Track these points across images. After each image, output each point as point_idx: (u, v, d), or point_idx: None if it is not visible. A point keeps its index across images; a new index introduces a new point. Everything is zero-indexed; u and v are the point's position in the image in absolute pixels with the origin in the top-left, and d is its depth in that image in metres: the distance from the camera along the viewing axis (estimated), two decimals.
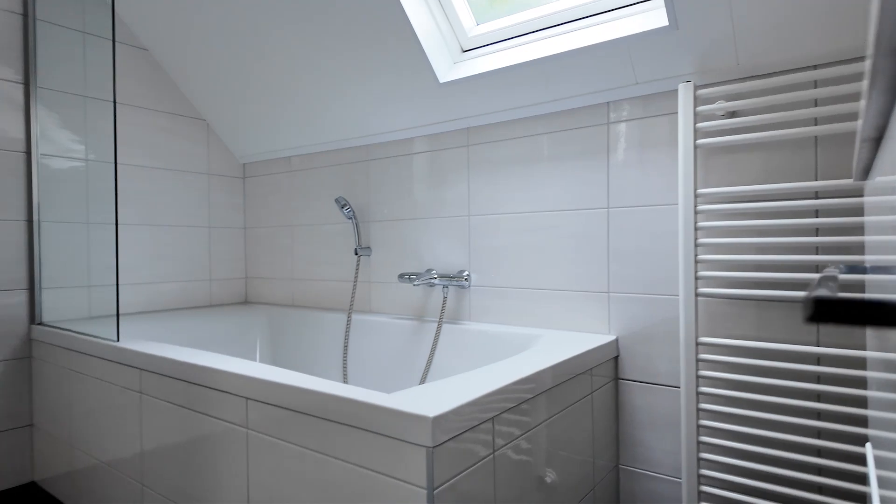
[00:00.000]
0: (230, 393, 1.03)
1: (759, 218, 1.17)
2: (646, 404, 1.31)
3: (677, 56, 1.19)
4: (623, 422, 1.35)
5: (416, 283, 1.60)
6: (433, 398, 0.82)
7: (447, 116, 1.62)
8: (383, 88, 1.66)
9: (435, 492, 0.75)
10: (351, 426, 0.83)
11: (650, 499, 1.31)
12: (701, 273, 1.16)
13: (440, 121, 1.65)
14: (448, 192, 1.68)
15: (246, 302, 2.34)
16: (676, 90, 1.26)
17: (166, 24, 1.89)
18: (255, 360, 2.07)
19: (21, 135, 1.73)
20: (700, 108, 1.17)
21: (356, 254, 1.89)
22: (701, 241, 1.16)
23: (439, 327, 1.60)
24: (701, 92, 1.16)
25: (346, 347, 1.82)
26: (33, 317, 1.74)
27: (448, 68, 1.53)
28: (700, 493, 1.17)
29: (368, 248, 1.91)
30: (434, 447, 0.75)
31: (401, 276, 1.68)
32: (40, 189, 1.75)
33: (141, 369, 1.26)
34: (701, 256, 1.16)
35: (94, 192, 1.85)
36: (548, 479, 1.03)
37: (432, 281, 1.64)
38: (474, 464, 0.83)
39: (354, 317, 1.86)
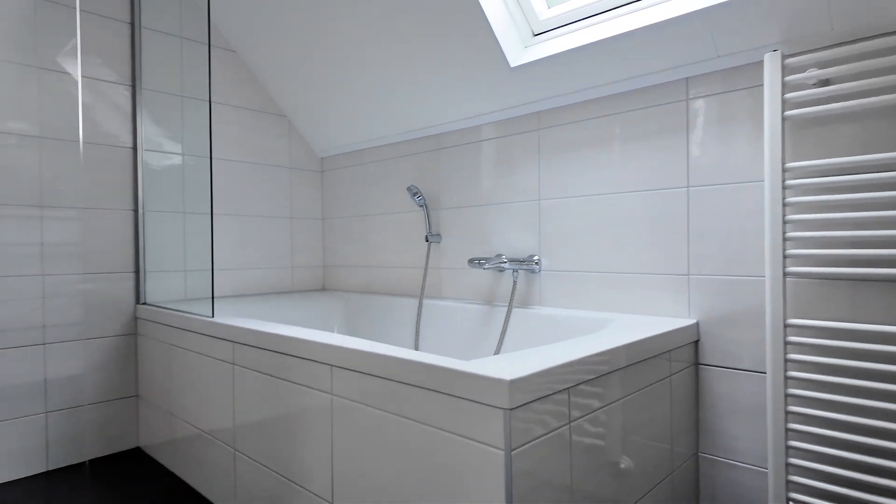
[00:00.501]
0: (316, 361, 1.10)
1: (853, 191, 1.09)
2: (728, 390, 1.26)
3: (762, 25, 1.14)
4: (704, 408, 1.30)
5: (485, 266, 1.62)
6: (509, 365, 0.84)
7: (517, 101, 1.63)
8: (454, 76, 1.69)
9: (513, 453, 0.77)
10: (431, 390, 0.87)
11: (733, 489, 1.26)
12: (789, 251, 1.11)
13: (510, 106, 1.66)
14: (518, 176, 1.69)
15: (324, 289, 2.46)
16: (760, 61, 1.20)
17: (252, 26, 2.03)
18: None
19: (129, 133, 1.91)
20: (788, 78, 1.11)
21: (427, 241, 1.94)
22: (789, 217, 1.10)
23: (509, 311, 1.61)
24: (789, 61, 1.11)
25: (417, 332, 1.87)
26: (138, 297, 1.92)
27: (519, 52, 1.54)
28: (788, 482, 1.11)
29: (439, 234, 1.95)
30: (511, 409, 0.77)
31: (470, 260, 1.70)
32: (144, 182, 1.93)
33: (234, 342, 1.37)
34: (789, 234, 1.10)
35: (189, 184, 2.02)
36: (622, 465, 1.02)
37: (502, 265, 1.65)
38: (550, 431, 0.84)
39: (425, 302, 1.90)
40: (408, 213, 2.07)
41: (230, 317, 1.51)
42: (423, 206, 1.93)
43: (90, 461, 1.79)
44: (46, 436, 1.71)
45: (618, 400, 1.02)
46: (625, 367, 1.04)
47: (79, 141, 1.79)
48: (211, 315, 1.51)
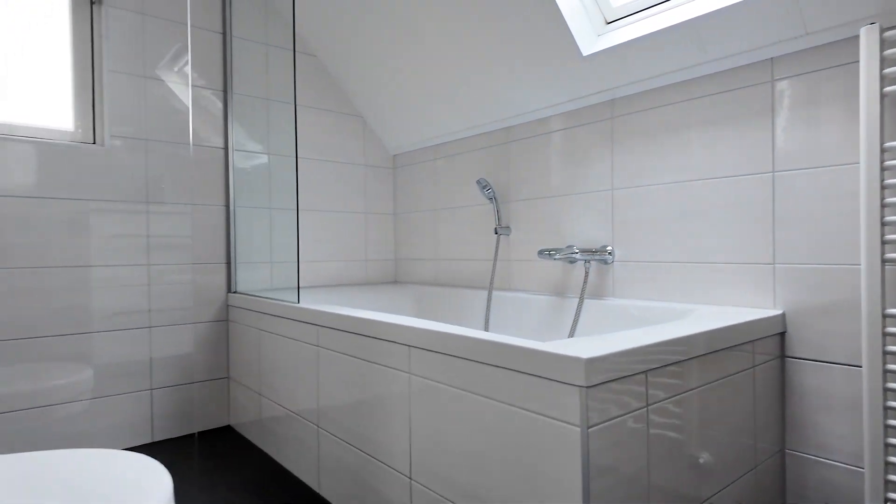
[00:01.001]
0: (395, 342, 1.16)
1: None
2: (819, 384, 1.20)
3: None
4: (791, 402, 1.25)
5: (555, 257, 1.63)
6: (585, 346, 0.85)
7: (589, 90, 1.62)
8: (524, 68, 1.71)
9: (589, 430, 0.78)
10: (508, 369, 0.90)
11: (824, 488, 1.20)
12: (888, 237, 1.04)
13: (582, 95, 1.65)
14: (589, 166, 1.68)
15: (395, 281, 2.55)
16: (853, 37, 1.13)
17: (332, 32, 2.14)
18: None
19: (220, 136, 2.07)
20: (887, 53, 1.04)
21: (496, 233, 1.96)
22: (888, 200, 1.04)
23: (581, 302, 1.61)
24: (889, 34, 1.04)
25: (487, 321, 1.90)
26: (230, 286, 2.08)
27: (592, 41, 1.53)
28: (887, 482, 1.04)
29: (508, 227, 1.97)
30: (588, 387, 0.78)
31: (541, 251, 1.71)
32: (234, 181, 2.09)
33: (318, 326, 1.46)
34: (888, 218, 1.04)
35: (274, 182, 2.16)
36: (701, 459, 1.00)
37: (573, 256, 1.65)
38: (627, 413, 0.85)
39: (495, 293, 1.93)
40: (477, 206, 2.11)
41: (314, 302, 1.60)
42: (493, 198, 1.96)
43: (186, 436, 1.96)
44: (151, 410, 1.89)
45: (696, 388, 1.00)
46: (704, 355, 1.02)
47: (177, 143, 1.96)
48: (297, 301, 1.61)
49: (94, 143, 1.85)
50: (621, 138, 1.58)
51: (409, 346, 1.12)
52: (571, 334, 1.60)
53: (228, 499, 1.49)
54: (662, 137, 1.48)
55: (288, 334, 1.62)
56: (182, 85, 1.98)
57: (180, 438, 1.94)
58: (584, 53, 1.52)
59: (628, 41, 1.41)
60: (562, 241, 1.78)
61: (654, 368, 0.90)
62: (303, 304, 1.56)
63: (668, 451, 0.93)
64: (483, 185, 1.94)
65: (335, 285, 2.35)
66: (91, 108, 1.85)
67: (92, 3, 1.84)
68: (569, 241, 1.75)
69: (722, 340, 1.06)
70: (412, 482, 1.12)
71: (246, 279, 2.09)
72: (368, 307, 2.22)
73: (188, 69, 1.99)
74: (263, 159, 2.17)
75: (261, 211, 2.14)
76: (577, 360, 0.78)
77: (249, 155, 2.14)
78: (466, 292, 2.06)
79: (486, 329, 1.89)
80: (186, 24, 1.98)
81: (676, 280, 1.46)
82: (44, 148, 1.69)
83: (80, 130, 1.83)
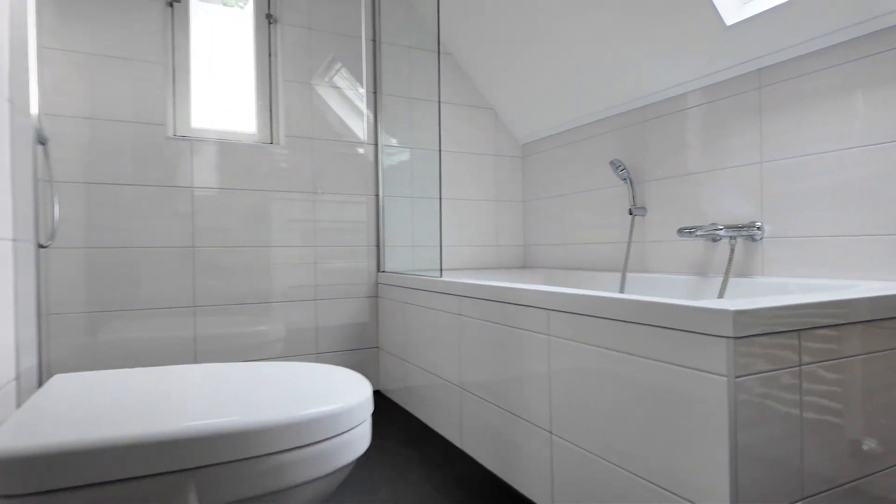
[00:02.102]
0: (535, 307, 1.25)
1: None
2: None
3: None
4: None
5: (696, 234, 1.59)
6: (733, 302, 0.87)
7: (733, 62, 1.56)
8: (660, 44, 1.69)
9: (737, 380, 0.80)
10: (651, 325, 0.94)
11: None
12: None
13: (724, 68, 1.60)
14: (732, 141, 1.62)
15: (524, 266, 2.63)
16: None
17: (466, 31, 2.28)
18: None
19: (372, 133, 2.32)
20: None
21: (631, 213, 1.96)
22: None
23: (725, 281, 1.56)
24: None
25: None
26: (379, 266, 2.32)
27: (735, 10, 1.48)
28: None
29: (643, 207, 1.96)
30: (735, 338, 0.80)
31: (680, 230, 1.68)
32: (383, 173, 2.32)
33: (461, 296, 1.60)
34: None
35: (416, 173, 2.36)
36: (865, 446, 0.95)
37: (716, 233, 1.60)
38: (777, 369, 0.85)
39: (630, 275, 1.93)
40: (607, 188, 2.12)
41: (455, 274, 1.75)
42: (627, 179, 1.96)
43: None
44: None
45: (857, 355, 0.96)
46: (867, 322, 0.97)
47: (337, 141, 2.23)
48: (439, 275, 1.77)
49: (271, 142, 2.18)
50: (771, 109, 1.51)
51: (548, 309, 1.20)
52: None
53: (383, 447, 1.69)
54: (818, 104, 1.39)
55: (431, 305, 1.79)
56: (341, 89, 2.25)
57: None
58: (728, 23, 1.48)
59: (776, 6, 1.35)
60: (702, 220, 1.73)
61: (808, 329, 0.88)
62: (445, 278, 1.71)
63: (822, 418, 0.91)
64: (617, 166, 1.95)
65: (469, 268, 2.50)
66: (269, 112, 2.19)
67: (269, 22, 2.18)
68: (711, 219, 1.70)
69: (889, 308, 0.99)
70: (552, 436, 1.20)
71: (392, 260, 2.32)
72: None
73: (346, 75, 2.26)
74: (406, 153, 2.38)
75: (403, 200, 2.35)
76: (724, 312, 0.81)
77: (395, 149, 2.36)
78: (598, 275, 2.08)
79: None
80: (347, 36, 2.25)
81: (837, 256, 1.36)
82: (233, 148, 2.04)
83: (260, 132, 2.18)
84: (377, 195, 2.32)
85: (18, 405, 0.85)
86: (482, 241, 2.55)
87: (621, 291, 1.91)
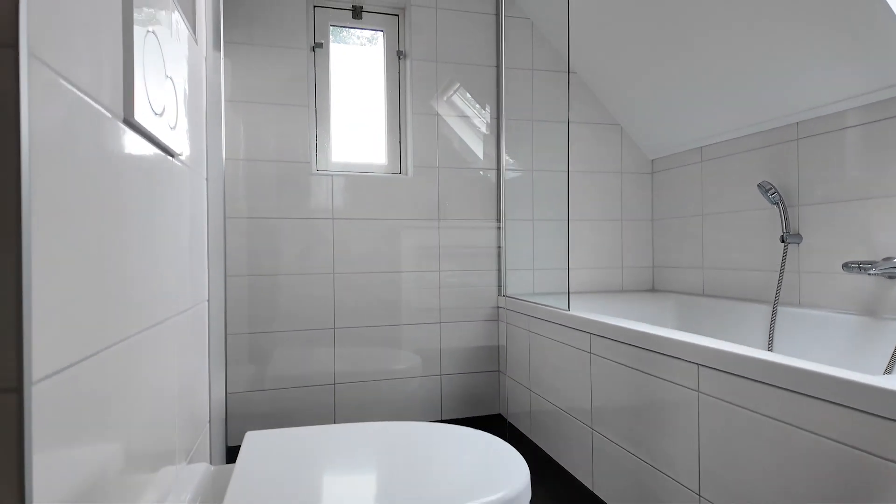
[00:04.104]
0: (681, 359, 1.18)
1: None
2: None
3: None
4: None
5: (870, 272, 1.40)
6: None
7: None
8: (818, 52, 1.51)
9: None
10: (832, 403, 0.85)
11: None
12: None
13: None
14: None
15: (653, 289, 2.50)
16: None
17: (591, 48, 2.22)
18: None
19: (494, 157, 2.34)
20: None
21: (783, 241, 1.77)
22: None
23: None
24: None
25: (770, 341, 1.74)
26: (500, 289, 2.34)
27: None
28: None
29: (798, 234, 1.77)
30: None
31: (847, 265, 1.50)
32: (505, 196, 2.33)
33: (591, 333, 1.56)
34: None
35: (537, 195, 2.34)
36: None
37: (895, 271, 1.40)
38: None
39: (780, 309, 1.75)
40: (754, 210, 1.94)
41: (584, 311, 1.71)
42: (778, 203, 1.78)
43: (466, 419, 2.28)
44: (441, 393, 2.26)
45: None
46: None
47: (461, 168, 2.29)
48: (567, 308, 1.74)
49: (400, 172, 2.29)
50: None
51: (698, 364, 1.13)
52: (890, 365, 1.36)
53: None
54: None
55: (558, 338, 1.77)
56: (465, 117, 2.30)
57: (461, 420, 2.27)
58: None
59: None
60: (872, 252, 1.52)
61: None
62: (573, 312, 1.68)
63: None
64: (766, 189, 1.78)
65: (591, 291, 2.43)
66: (398, 144, 2.30)
67: (399, 58, 2.29)
68: (886, 252, 1.49)
69: None
70: (700, 498, 1.13)
71: (513, 283, 2.32)
72: (629, 315, 2.23)
73: (470, 102, 2.31)
74: (528, 175, 2.37)
75: (524, 223, 2.35)
76: None
77: (516, 172, 2.36)
78: (739, 305, 1.91)
79: (770, 350, 1.73)
80: (470, 64, 2.29)
81: None
82: (366, 180, 2.18)
83: (390, 163, 2.29)
84: (499, 218, 2.34)
85: (211, 443, 0.99)
86: (606, 262, 2.47)
87: (772, 327, 1.74)
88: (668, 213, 2.41)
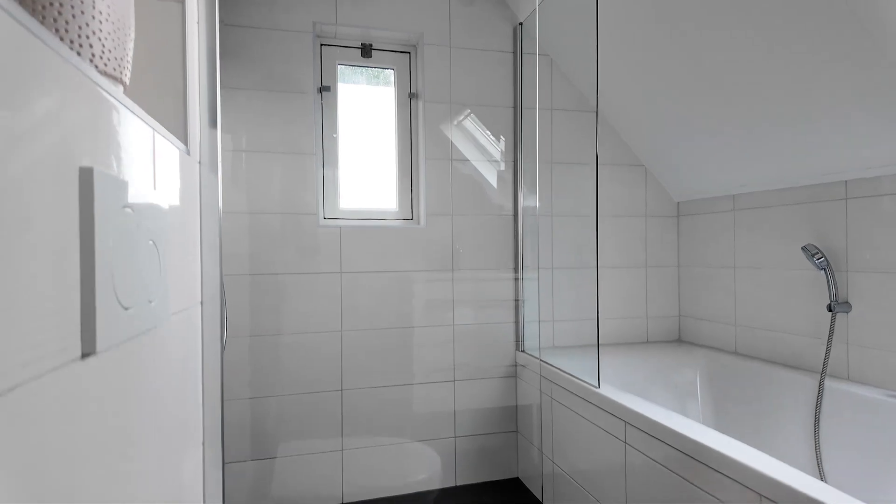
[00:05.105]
0: (737, 481, 1.04)
1: None
2: None
3: None
4: None
5: None
6: None
7: None
8: (876, 106, 1.37)
9: None
10: None
11: None
12: None
13: None
14: None
15: (679, 340, 2.35)
16: None
17: (614, 86, 2.08)
18: (696, 410, 2.04)
19: (511, 202, 2.20)
20: None
21: (830, 310, 1.63)
22: None
23: None
24: None
25: (817, 422, 1.59)
26: (517, 344, 2.19)
27: None
28: None
29: (846, 303, 1.62)
30: None
31: None
32: (523, 243, 2.19)
33: (626, 422, 1.41)
34: None
35: (556, 241, 2.20)
36: None
37: None
38: None
39: (828, 384, 1.60)
40: (794, 270, 1.79)
41: (616, 390, 1.56)
42: (825, 269, 1.63)
43: (481, 483, 2.14)
44: (455, 456, 2.12)
45: None
46: None
47: (476, 214, 2.15)
48: (597, 385, 1.60)
49: (411, 218, 2.15)
50: None
51: (760, 494, 0.98)
52: None
53: None
54: None
55: (586, 415, 1.62)
56: (480, 160, 2.16)
57: (476, 485, 2.13)
58: None
59: None
60: None
61: None
62: (604, 391, 1.54)
63: None
64: (812, 253, 1.63)
65: (615, 343, 2.28)
66: (409, 189, 2.16)
67: (411, 99, 2.16)
68: None
69: None
70: None
71: (531, 335, 2.18)
72: (649, 372, 2.08)
73: (485, 145, 2.17)
74: (548, 220, 2.23)
75: (544, 271, 2.20)
76: None
77: (535, 217, 2.22)
78: (778, 373, 1.77)
79: (817, 435, 1.58)
80: (486, 105, 2.16)
81: None
82: (377, 230, 2.04)
83: (401, 209, 2.16)
84: (516, 267, 2.20)
85: None
86: (630, 311, 2.32)
87: (818, 406, 1.59)
88: (696, 260, 2.26)
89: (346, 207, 2.09)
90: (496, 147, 2.19)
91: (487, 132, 2.18)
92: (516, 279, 2.20)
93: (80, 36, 0.44)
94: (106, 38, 0.46)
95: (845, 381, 1.60)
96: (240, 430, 1.87)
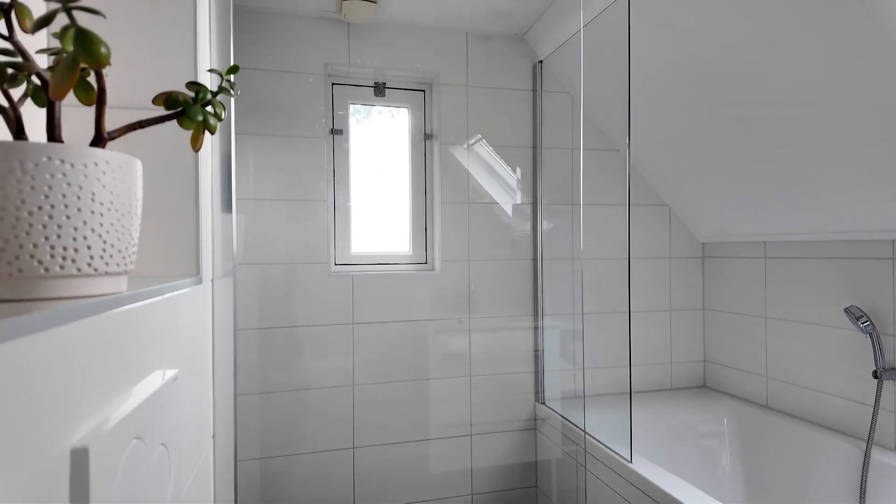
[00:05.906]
0: None
1: None
2: None
3: None
4: None
5: None
6: None
7: None
8: None
9: None
10: None
11: None
12: None
13: None
14: None
15: (704, 386, 2.25)
16: None
17: (636, 125, 1.99)
18: (725, 469, 1.94)
19: (530, 244, 2.11)
20: None
21: (877, 377, 1.53)
22: None
23: None
24: None
25: (863, 495, 1.49)
26: (537, 395, 2.10)
27: None
28: None
29: (894, 369, 1.52)
30: None
31: None
32: (543, 289, 2.10)
33: (657, 502, 1.32)
34: None
35: (576, 286, 2.10)
36: None
37: None
38: None
39: (875, 455, 1.50)
40: (834, 328, 1.69)
41: (650, 463, 1.46)
42: (870, 333, 1.54)
43: None
44: None
45: None
46: None
47: (496, 259, 2.05)
48: (629, 458, 1.50)
49: (425, 262, 2.06)
50: None
51: None
52: None
53: None
54: None
55: (617, 489, 1.52)
56: (498, 203, 2.07)
57: None
58: None
59: None
60: None
61: None
62: (638, 467, 1.44)
63: None
64: (857, 316, 1.54)
65: (638, 391, 2.18)
66: (424, 232, 2.07)
67: (426, 140, 2.07)
68: None
69: None
70: None
71: (552, 384, 2.08)
72: (674, 424, 1.97)
73: (503, 187, 2.08)
74: (568, 264, 2.13)
75: (565, 317, 2.11)
76: None
77: (555, 261, 2.13)
78: (821, 438, 1.66)
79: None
80: (504, 146, 2.06)
81: None
82: (389, 278, 1.95)
83: (415, 252, 2.07)
84: (536, 315, 2.10)
85: None
86: (652, 358, 2.22)
87: (864, 478, 1.49)
88: (723, 305, 2.17)
89: (358, 251, 2.00)
90: (515, 188, 2.10)
91: (507, 169, 2.08)
92: (535, 327, 2.10)
93: (74, 240, 0.35)
94: (107, 233, 0.37)
95: (892, 453, 1.50)
96: (250, 496, 1.77)
